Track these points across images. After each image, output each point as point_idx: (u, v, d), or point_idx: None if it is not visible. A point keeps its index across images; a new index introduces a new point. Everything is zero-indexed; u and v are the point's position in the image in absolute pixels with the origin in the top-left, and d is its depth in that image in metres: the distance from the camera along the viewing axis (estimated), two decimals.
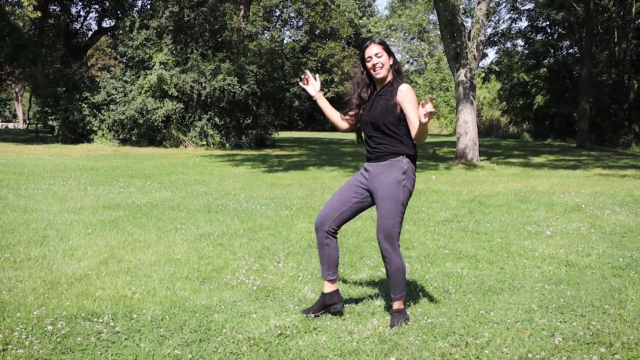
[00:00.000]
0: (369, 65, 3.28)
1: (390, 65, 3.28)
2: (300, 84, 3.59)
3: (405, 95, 3.18)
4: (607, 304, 3.55)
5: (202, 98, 20.82)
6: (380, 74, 3.25)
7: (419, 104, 3.10)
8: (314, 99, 3.53)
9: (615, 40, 25.09)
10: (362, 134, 3.44)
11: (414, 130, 3.17)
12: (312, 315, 3.34)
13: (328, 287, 3.37)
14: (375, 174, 3.24)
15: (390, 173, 3.20)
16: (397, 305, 3.28)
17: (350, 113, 3.46)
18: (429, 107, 2.96)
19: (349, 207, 3.33)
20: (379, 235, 3.22)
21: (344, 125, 3.52)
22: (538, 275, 4.27)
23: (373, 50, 3.24)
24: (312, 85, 3.55)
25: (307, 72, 3.61)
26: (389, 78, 3.30)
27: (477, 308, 3.50)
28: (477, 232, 5.83)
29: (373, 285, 4.00)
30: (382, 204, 3.20)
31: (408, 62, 52.33)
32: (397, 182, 3.19)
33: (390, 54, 3.29)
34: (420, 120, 3.05)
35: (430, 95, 3.08)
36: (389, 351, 2.87)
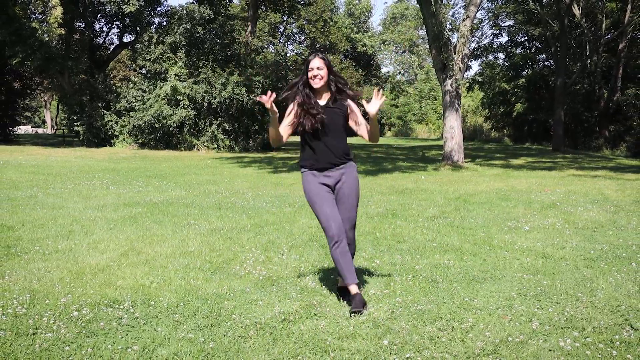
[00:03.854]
0: (309, 74, 3.27)
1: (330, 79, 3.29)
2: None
3: (350, 105, 3.33)
4: (580, 292, 3.55)
5: (212, 106, 20.82)
6: (317, 84, 3.28)
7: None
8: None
9: (587, 53, 25.12)
10: (312, 143, 3.27)
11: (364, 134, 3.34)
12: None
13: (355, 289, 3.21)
14: (344, 173, 3.31)
15: (351, 171, 3.34)
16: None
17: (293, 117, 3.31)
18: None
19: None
20: (345, 225, 3.26)
21: (284, 137, 3.32)
22: (517, 266, 4.26)
23: (316, 63, 3.27)
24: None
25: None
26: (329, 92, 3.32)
27: (462, 296, 3.50)
28: (462, 227, 5.83)
29: (368, 275, 4.00)
30: (352, 199, 3.30)
31: (400, 73, 52.45)
32: (358, 180, 3.40)
33: (329, 69, 3.29)
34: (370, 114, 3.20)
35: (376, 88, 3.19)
36: (383, 335, 2.88)
